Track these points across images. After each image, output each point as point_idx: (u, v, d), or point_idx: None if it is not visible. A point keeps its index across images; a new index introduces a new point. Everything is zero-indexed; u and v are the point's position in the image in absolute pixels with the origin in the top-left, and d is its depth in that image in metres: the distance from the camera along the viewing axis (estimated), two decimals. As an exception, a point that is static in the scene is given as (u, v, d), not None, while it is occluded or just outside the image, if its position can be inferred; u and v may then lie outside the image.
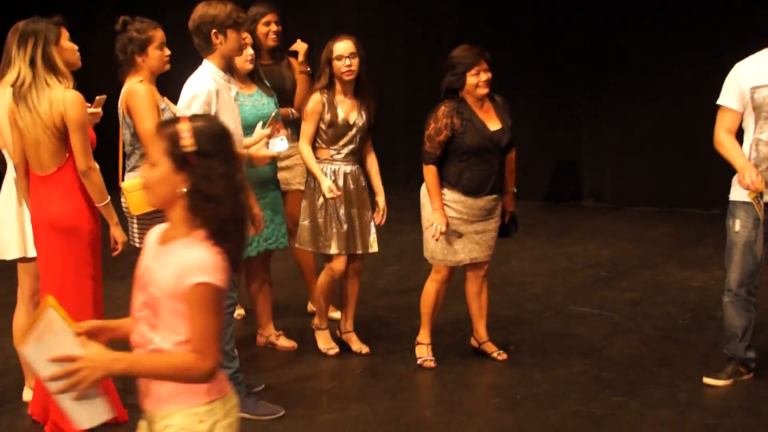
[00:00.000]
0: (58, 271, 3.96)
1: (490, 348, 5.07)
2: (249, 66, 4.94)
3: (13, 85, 3.95)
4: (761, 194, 4.26)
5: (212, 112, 4.10)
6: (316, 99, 4.87)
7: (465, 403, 4.55)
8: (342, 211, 4.87)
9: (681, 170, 8.88)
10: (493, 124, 4.81)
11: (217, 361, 2.21)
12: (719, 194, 4.61)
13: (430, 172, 4.77)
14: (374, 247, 5.02)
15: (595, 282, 6.61)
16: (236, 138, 4.26)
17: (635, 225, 8.48)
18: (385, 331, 5.48)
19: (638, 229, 8.32)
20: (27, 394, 4.42)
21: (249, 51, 4.82)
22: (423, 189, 4.87)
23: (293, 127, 5.27)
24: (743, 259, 4.46)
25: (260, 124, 4.59)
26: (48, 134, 3.89)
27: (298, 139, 5.03)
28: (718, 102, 4.47)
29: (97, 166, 3.98)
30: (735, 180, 4.48)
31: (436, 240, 4.79)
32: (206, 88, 4.10)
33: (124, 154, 4.36)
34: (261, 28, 5.39)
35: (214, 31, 4.13)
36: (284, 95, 5.36)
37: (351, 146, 4.91)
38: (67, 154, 3.93)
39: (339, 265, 4.93)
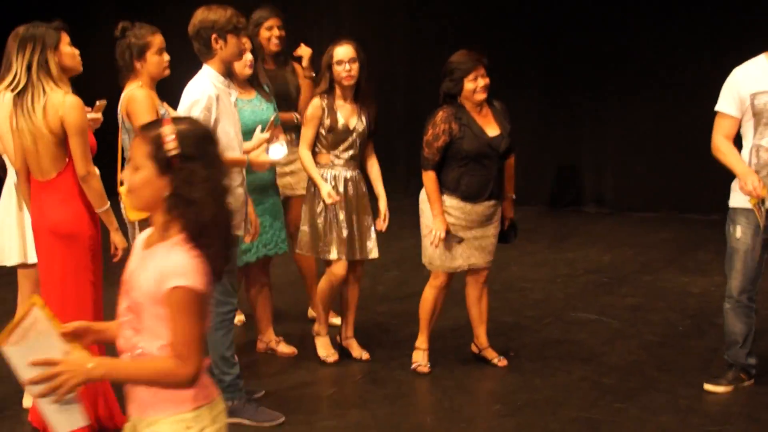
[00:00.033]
0: (59, 277, 3.95)
1: (490, 354, 5.06)
2: (248, 71, 4.93)
3: (11, 90, 3.95)
4: (763, 201, 4.26)
5: (212, 118, 4.10)
6: (316, 104, 4.87)
7: (465, 409, 4.55)
8: (342, 217, 4.87)
9: (681, 175, 8.88)
10: (492, 130, 4.81)
11: (199, 366, 2.19)
12: (719, 200, 4.60)
13: (429, 178, 4.77)
14: (374, 253, 5.02)
15: (596, 288, 6.60)
16: (236, 143, 4.28)
17: (635, 230, 8.48)
18: (385, 337, 5.47)
19: (638, 234, 8.32)
20: (27, 401, 4.41)
21: (248, 56, 4.82)
22: (422, 195, 4.87)
23: (297, 132, 5.27)
24: (745, 265, 4.45)
25: (259, 128, 4.59)
26: (47, 140, 3.88)
27: None
28: (717, 108, 4.47)
29: (96, 171, 3.98)
30: (734, 186, 4.48)
31: (435, 247, 4.78)
32: (206, 93, 4.10)
33: (123, 159, 4.37)
34: (263, 33, 5.40)
35: (214, 36, 4.13)
36: (288, 100, 5.36)
37: (351, 151, 4.91)
38: (67, 160, 3.93)
39: (339, 270, 4.92)
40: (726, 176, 4.54)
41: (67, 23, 4.10)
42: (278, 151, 4.51)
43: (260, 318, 5.28)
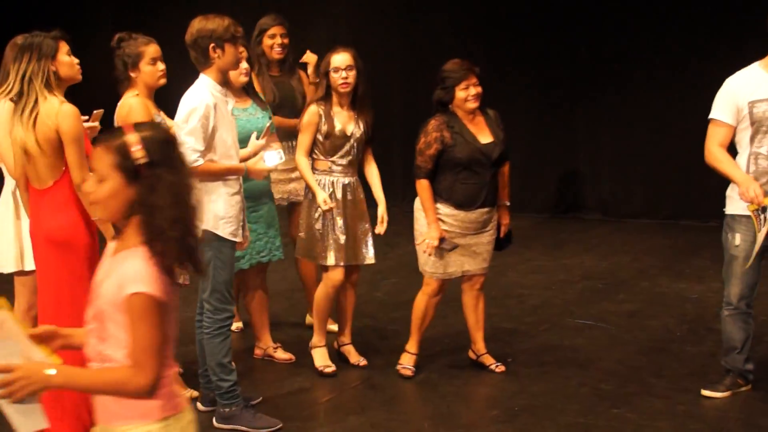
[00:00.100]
0: (54, 284, 3.96)
1: (488, 360, 5.07)
2: (244, 79, 4.96)
3: (10, 100, 3.97)
4: (764, 208, 4.26)
5: (210, 126, 4.12)
6: (313, 111, 4.88)
7: (463, 416, 4.55)
8: (340, 223, 4.88)
9: (678, 182, 8.88)
10: (484, 137, 4.83)
11: (156, 375, 2.15)
12: (716, 206, 4.61)
13: (422, 186, 4.79)
14: (371, 259, 5.03)
15: (593, 294, 6.61)
16: (233, 151, 4.30)
17: (632, 237, 8.49)
18: (382, 343, 5.47)
19: (635, 240, 8.32)
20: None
21: (244, 65, 4.84)
22: (416, 202, 4.88)
23: None
24: (744, 272, 4.46)
25: (254, 134, 4.62)
26: (43, 148, 3.90)
27: None
28: (712, 116, 4.47)
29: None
30: (731, 194, 4.49)
31: (429, 255, 4.80)
32: (204, 101, 4.11)
33: None
34: (266, 41, 5.44)
35: (212, 45, 4.15)
36: (294, 107, 5.39)
37: (349, 157, 4.92)
38: (64, 168, 3.94)
39: (337, 276, 4.92)
40: (722, 183, 4.55)
41: (66, 32, 4.12)
42: (274, 158, 4.53)
43: (257, 324, 5.28)
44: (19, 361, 2.18)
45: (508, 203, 5.03)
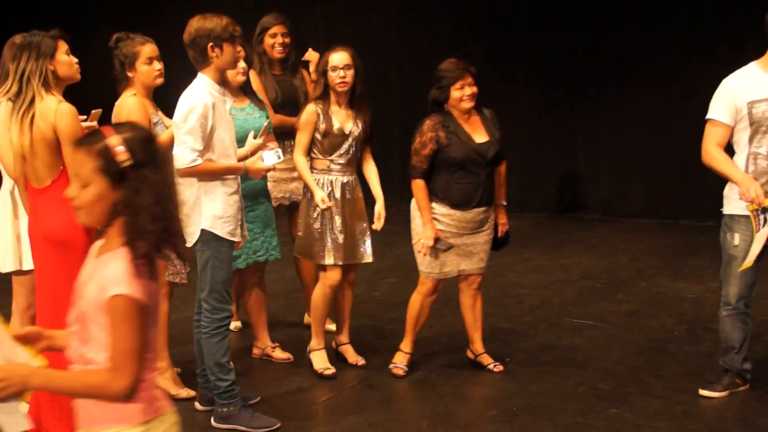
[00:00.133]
0: (52, 284, 3.95)
1: (486, 360, 5.07)
2: (241, 78, 4.96)
3: (8, 99, 3.97)
4: (764, 209, 4.25)
5: (209, 126, 4.12)
6: (311, 109, 4.88)
7: (461, 415, 4.55)
8: (338, 222, 4.87)
9: (676, 182, 8.89)
10: (480, 137, 4.83)
11: (135, 379, 2.13)
12: (714, 206, 4.61)
13: (417, 186, 4.79)
14: (369, 258, 5.02)
15: (591, 293, 6.61)
16: (232, 151, 4.30)
17: (630, 237, 8.49)
18: (380, 343, 5.47)
19: (633, 240, 8.33)
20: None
21: (241, 64, 4.85)
22: (413, 202, 4.88)
23: None
24: (743, 273, 4.45)
25: (251, 134, 4.63)
26: (40, 147, 3.90)
27: None
28: (710, 116, 4.46)
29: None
30: (728, 194, 4.49)
31: (424, 255, 4.80)
32: (203, 101, 4.11)
33: None
34: (268, 40, 5.45)
35: (210, 44, 4.14)
36: (296, 106, 5.40)
37: (347, 156, 4.92)
38: (62, 167, 3.94)
39: (334, 275, 4.92)
40: (721, 183, 4.55)
41: (66, 32, 4.12)
42: (272, 157, 4.53)
43: (255, 324, 5.28)
44: (2, 362, 2.16)
45: (504, 203, 5.03)
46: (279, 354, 5.25)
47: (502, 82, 9.20)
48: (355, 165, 4.99)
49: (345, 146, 4.90)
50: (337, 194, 4.88)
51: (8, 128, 3.96)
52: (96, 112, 4.60)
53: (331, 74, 4.83)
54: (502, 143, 4.92)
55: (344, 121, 4.89)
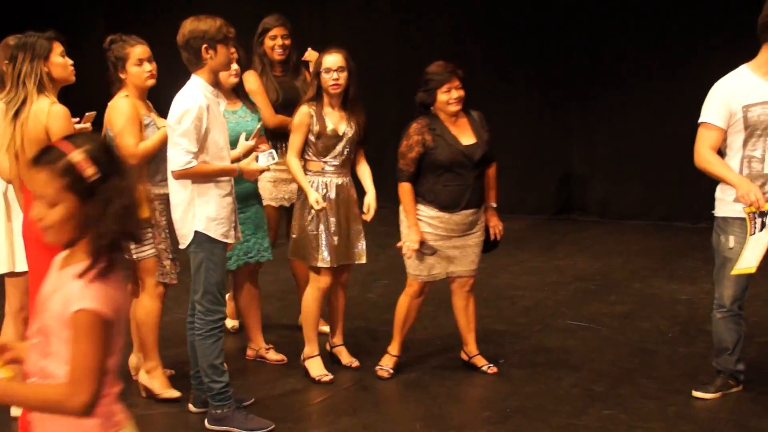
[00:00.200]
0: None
1: (480, 361, 5.07)
2: (233, 80, 4.97)
3: (2, 101, 3.97)
4: (762, 213, 4.24)
5: (203, 128, 4.12)
6: (304, 111, 4.87)
7: (455, 417, 4.55)
8: (332, 224, 4.87)
9: (670, 184, 8.91)
10: (467, 139, 4.83)
11: (94, 394, 2.10)
12: (708, 208, 4.62)
13: (403, 189, 4.80)
14: (363, 259, 5.02)
15: (585, 295, 6.62)
16: (225, 153, 4.30)
17: (624, 238, 8.51)
18: (374, 345, 5.46)
19: (627, 242, 8.34)
20: (16, 410, 4.39)
21: (234, 66, 4.84)
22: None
23: None
24: (739, 275, 4.45)
25: (243, 135, 4.64)
26: (33, 149, 3.89)
27: None
28: (703, 120, 4.44)
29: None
30: (721, 196, 4.49)
31: (408, 257, 4.80)
32: (197, 103, 4.11)
33: None
34: (268, 42, 5.47)
35: (204, 45, 4.14)
36: (297, 107, 5.38)
37: (341, 158, 4.91)
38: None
39: (326, 278, 4.91)
40: (715, 185, 4.56)
41: (60, 33, 4.12)
42: (266, 158, 4.53)
43: (249, 325, 5.28)
44: None
45: (494, 205, 5.02)
46: (273, 355, 5.24)
47: (498, 82, 9.22)
48: (349, 167, 4.99)
49: (339, 148, 4.89)
50: (332, 196, 4.88)
51: (3, 129, 3.95)
52: (90, 114, 4.60)
53: (324, 76, 4.83)
54: (491, 145, 4.92)
55: (338, 122, 4.89)
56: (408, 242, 4.79)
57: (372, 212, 4.90)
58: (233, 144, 4.56)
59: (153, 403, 4.63)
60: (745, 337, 4.70)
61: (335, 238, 4.87)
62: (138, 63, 4.49)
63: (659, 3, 8.79)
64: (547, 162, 9.46)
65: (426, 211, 4.83)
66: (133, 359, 4.86)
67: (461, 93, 4.79)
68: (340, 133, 4.89)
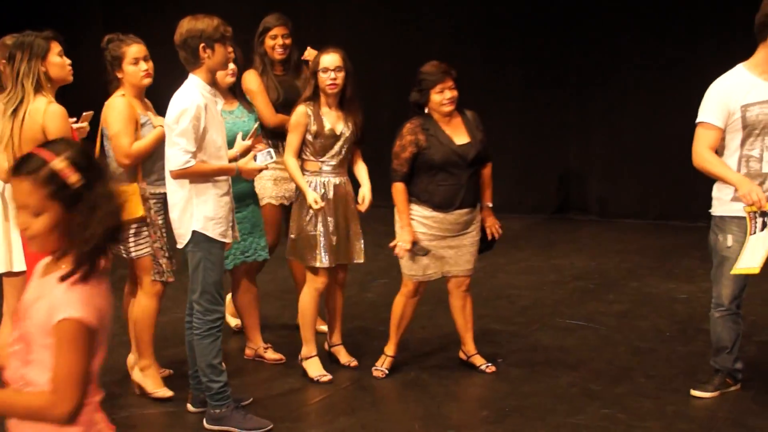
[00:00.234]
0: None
1: (478, 361, 5.07)
2: (230, 80, 4.97)
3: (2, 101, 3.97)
4: (763, 212, 4.24)
5: (201, 127, 4.12)
6: (301, 111, 4.87)
7: (453, 416, 4.55)
8: (331, 223, 4.87)
9: (667, 183, 8.92)
10: (460, 138, 4.83)
11: (77, 403, 2.09)
12: (705, 207, 4.62)
13: (396, 189, 4.81)
14: (361, 258, 5.02)
15: (583, 294, 6.62)
16: (223, 152, 4.30)
17: (622, 237, 8.51)
18: (373, 344, 5.46)
19: (625, 241, 8.35)
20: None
21: (230, 65, 4.84)
22: None
23: None
24: (738, 274, 4.45)
25: (240, 135, 4.65)
26: (30, 148, 3.89)
27: None
28: (702, 119, 4.43)
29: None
30: (718, 195, 4.49)
31: (400, 257, 4.81)
32: (195, 102, 4.11)
33: None
34: (268, 41, 5.47)
35: (202, 45, 4.14)
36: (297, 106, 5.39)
37: (339, 157, 4.91)
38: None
39: (323, 278, 4.90)
40: (712, 184, 4.56)
41: (59, 33, 4.11)
42: (265, 157, 4.53)
43: (248, 325, 5.28)
44: None
45: (490, 205, 5.02)
46: (271, 355, 5.24)
47: (496, 83, 9.22)
48: (346, 166, 4.99)
49: (336, 147, 4.89)
50: (330, 196, 4.87)
51: (3, 128, 3.95)
52: (87, 114, 4.61)
53: (322, 75, 4.83)
54: (485, 145, 4.92)
55: (335, 122, 4.89)
56: (400, 242, 4.80)
57: (367, 203, 4.89)
58: (230, 144, 4.57)
59: (151, 403, 4.63)
60: (744, 336, 4.71)
61: (333, 238, 4.86)
62: (134, 62, 4.49)
63: (656, 3, 8.79)
64: (545, 161, 9.46)
65: (420, 211, 4.83)
66: (131, 358, 4.86)
67: (454, 93, 4.79)
68: (338, 133, 4.88)
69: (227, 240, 4.28)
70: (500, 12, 9.32)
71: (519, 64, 9.31)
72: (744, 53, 4.49)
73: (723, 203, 4.47)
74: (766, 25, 4.33)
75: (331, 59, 4.83)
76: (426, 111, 4.84)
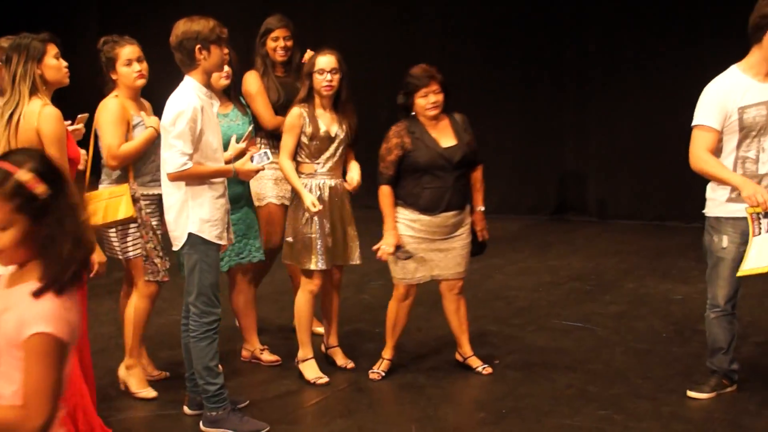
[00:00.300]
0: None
1: (474, 362, 5.07)
2: (224, 82, 4.97)
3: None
4: (766, 213, 4.23)
5: (198, 129, 4.12)
6: (296, 113, 4.86)
7: (450, 418, 4.55)
8: (327, 226, 4.86)
9: (663, 184, 8.93)
10: (447, 141, 4.84)
11: (48, 418, 2.06)
12: (700, 208, 4.63)
13: (382, 192, 4.82)
14: (357, 260, 5.01)
15: (579, 295, 6.62)
16: (219, 154, 4.30)
17: (618, 238, 8.52)
18: (369, 346, 5.46)
19: (621, 242, 8.36)
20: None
21: (225, 68, 4.84)
22: None
23: None
24: (732, 274, 4.45)
25: (234, 138, 4.65)
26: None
27: None
28: (699, 122, 4.42)
29: (70, 183, 3.96)
30: (712, 196, 4.49)
31: (384, 260, 4.80)
32: (191, 104, 4.10)
33: (94, 166, 4.57)
34: (270, 43, 5.47)
35: (197, 46, 4.14)
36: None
37: (333, 159, 4.91)
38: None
39: (318, 280, 4.90)
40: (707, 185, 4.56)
41: (56, 35, 4.11)
42: (261, 158, 4.53)
43: (245, 326, 5.27)
44: None
45: (482, 209, 5.00)
46: (267, 357, 5.24)
47: (494, 84, 9.22)
48: (341, 168, 4.99)
49: (331, 149, 4.89)
50: (325, 198, 4.87)
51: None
52: (82, 116, 4.60)
53: (318, 77, 4.83)
54: (473, 147, 4.91)
55: (330, 124, 4.89)
56: (384, 246, 4.79)
57: (355, 184, 4.86)
58: (224, 147, 4.56)
59: (148, 405, 4.62)
60: (740, 337, 4.72)
61: (329, 240, 4.86)
62: (127, 63, 4.51)
63: (656, 3, 8.80)
64: (540, 163, 9.47)
65: (407, 214, 4.83)
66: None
67: (439, 98, 4.79)
68: (333, 135, 4.88)
69: (223, 242, 4.28)
70: (499, 12, 9.33)
71: (517, 65, 9.32)
72: (743, 54, 4.49)
73: (718, 204, 4.47)
74: (760, 27, 4.34)
75: (327, 61, 4.83)
76: (413, 113, 4.84)
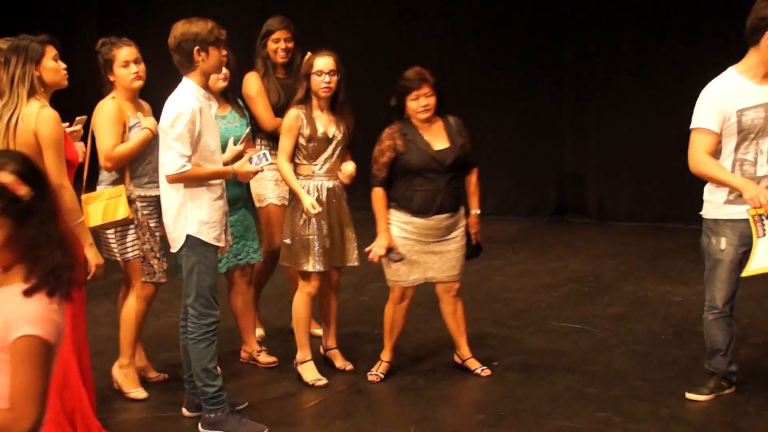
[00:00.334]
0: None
1: (473, 364, 5.07)
2: (222, 84, 4.97)
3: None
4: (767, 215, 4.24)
5: (196, 131, 4.12)
6: (293, 114, 4.85)
7: (449, 420, 4.55)
8: (324, 227, 4.86)
9: (662, 185, 8.92)
10: (439, 143, 4.84)
11: (36, 420, 2.07)
12: (700, 209, 4.63)
13: (375, 194, 4.82)
14: (355, 261, 5.01)
15: (579, 297, 6.62)
16: (218, 156, 4.30)
17: (617, 240, 8.51)
18: (368, 348, 5.46)
19: (620, 244, 8.35)
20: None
21: (223, 70, 4.83)
22: None
23: None
24: (730, 276, 4.46)
25: (231, 140, 4.65)
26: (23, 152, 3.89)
27: None
28: (698, 125, 4.41)
29: (68, 185, 3.97)
30: (710, 197, 4.49)
31: (375, 263, 4.82)
32: (190, 106, 4.10)
33: (91, 168, 4.58)
34: (270, 45, 5.47)
35: (196, 48, 4.14)
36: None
37: (331, 161, 4.90)
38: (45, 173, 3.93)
39: (315, 282, 4.89)
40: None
41: (54, 37, 4.10)
42: (260, 160, 4.53)
43: (243, 328, 5.27)
44: None
45: (477, 212, 5.00)
46: (264, 358, 5.23)
47: (493, 84, 9.22)
48: (338, 170, 4.98)
49: (329, 151, 4.88)
50: (323, 199, 4.86)
51: None
52: (80, 118, 4.61)
53: (316, 78, 4.82)
54: (467, 150, 4.91)
55: (327, 125, 4.88)
56: (375, 248, 4.79)
57: (348, 174, 4.84)
58: (222, 149, 4.56)
59: (146, 407, 4.63)
60: (738, 339, 4.72)
61: (327, 242, 4.86)
62: (124, 65, 4.52)
63: (656, 3, 8.80)
64: (539, 164, 9.46)
65: (399, 216, 4.83)
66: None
67: (430, 101, 4.78)
68: (330, 136, 4.88)
69: (221, 244, 4.28)
70: (499, 12, 9.32)
71: (516, 66, 9.31)
72: (743, 54, 4.48)
73: (715, 206, 4.47)
74: (757, 29, 4.33)
75: (325, 62, 4.83)
76: (406, 116, 4.84)
